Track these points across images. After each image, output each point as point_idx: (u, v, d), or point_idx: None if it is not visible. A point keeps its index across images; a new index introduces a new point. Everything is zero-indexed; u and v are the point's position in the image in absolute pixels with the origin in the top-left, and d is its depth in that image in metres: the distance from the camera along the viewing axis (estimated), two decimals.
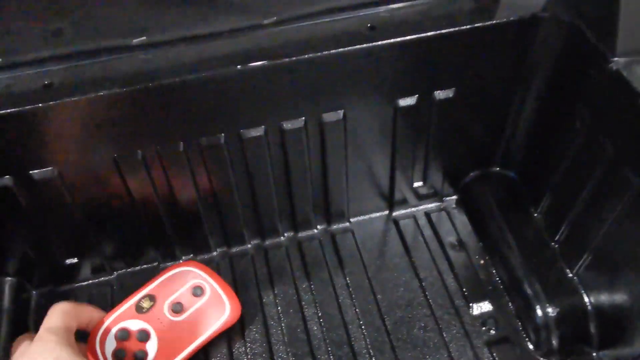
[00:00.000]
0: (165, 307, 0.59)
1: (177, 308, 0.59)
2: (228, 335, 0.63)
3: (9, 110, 0.50)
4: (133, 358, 0.55)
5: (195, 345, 0.58)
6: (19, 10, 0.51)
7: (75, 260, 0.70)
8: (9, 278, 0.69)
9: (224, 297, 0.60)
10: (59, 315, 0.51)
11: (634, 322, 0.56)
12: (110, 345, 0.56)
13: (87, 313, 0.56)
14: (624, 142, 0.52)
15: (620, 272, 0.57)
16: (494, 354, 0.63)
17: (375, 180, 0.76)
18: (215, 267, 0.71)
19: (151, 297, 0.59)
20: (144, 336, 0.56)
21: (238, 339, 0.64)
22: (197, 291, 0.60)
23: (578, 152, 0.61)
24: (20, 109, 0.50)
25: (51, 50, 0.54)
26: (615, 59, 0.51)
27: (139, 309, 0.58)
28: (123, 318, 0.58)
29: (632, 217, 0.53)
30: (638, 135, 0.50)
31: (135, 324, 0.57)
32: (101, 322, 0.57)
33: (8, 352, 0.59)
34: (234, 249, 0.75)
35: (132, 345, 0.56)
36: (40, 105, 0.50)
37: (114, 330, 0.57)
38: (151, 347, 0.56)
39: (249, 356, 0.63)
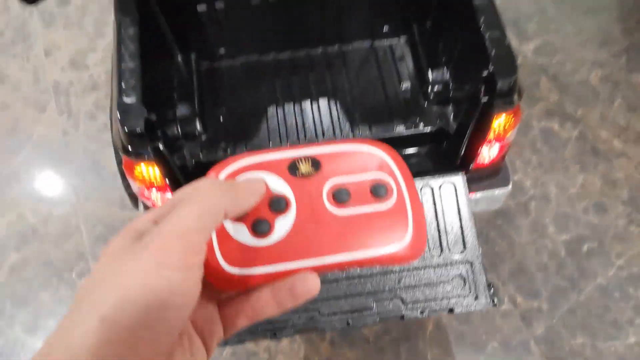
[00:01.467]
0: (327, 187, 0.42)
1: (342, 197, 0.42)
2: None
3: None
4: (250, 223, 0.40)
5: (333, 262, 0.40)
6: None
7: (223, 50, 1.61)
8: (193, 54, 1.59)
9: (410, 217, 0.43)
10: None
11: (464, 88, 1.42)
12: None
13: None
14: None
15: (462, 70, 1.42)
16: (407, 103, 1.51)
17: (365, 23, 1.62)
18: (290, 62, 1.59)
19: (314, 163, 0.43)
20: (280, 206, 0.41)
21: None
22: (380, 190, 0.42)
23: (458, 21, 1.39)
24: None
25: None
26: None
27: (293, 168, 0.42)
28: (266, 167, 0.42)
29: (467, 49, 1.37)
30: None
31: (277, 184, 0.42)
32: (234, 159, 0.43)
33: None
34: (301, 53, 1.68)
35: (260, 208, 0.41)
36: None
37: (247, 175, 0.42)
38: (281, 226, 0.40)
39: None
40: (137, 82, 1.14)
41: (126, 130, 1.11)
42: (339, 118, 1.52)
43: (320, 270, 0.40)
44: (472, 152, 1.32)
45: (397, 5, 1.59)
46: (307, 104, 1.55)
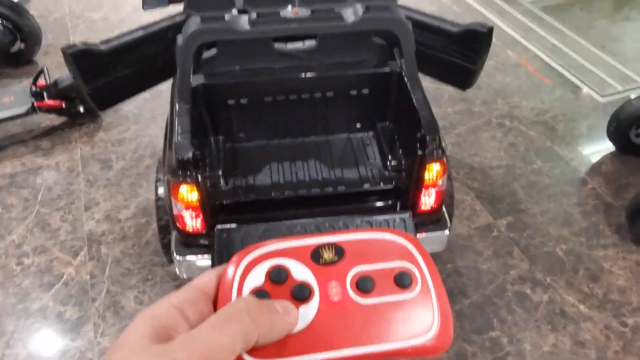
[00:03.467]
0: (350, 275, 0.42)
1: (366, 286, 0.41)
2: None
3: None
4: None
5: (356, 354, 0.39)
6: None
7: (243, 135, 2.29)
8: (220, 136, 2.25)
9: (436, 308, 0.42)
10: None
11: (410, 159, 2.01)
12: (255, 279, 0.41)
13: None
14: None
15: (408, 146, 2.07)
16: (372, 173, 2.18)
17: (344, 121, 2.33)
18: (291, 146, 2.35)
19: (338, 251, 0.43)
20: (303, 294, 0.40)
21: None
22: (404, 280, 0.42)
23: (403, 110, 2.11)
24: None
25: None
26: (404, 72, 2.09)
27: (316, 256, 0.42)
28: (289, 254, 0.42)
29: (410, 127, 2.00)
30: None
31: (300, 272, 0.41)
32: (257, 246, 0.43)
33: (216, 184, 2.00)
34: (302, 139, 2.35)
35: (282, 295, 0.41)
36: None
37: (270, 262, 0.42)
38: (304, 315, 0.40)
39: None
40: (188, 129, 1.76)
41: (178, 158, 1.67)
42: (323, 180, 2.13)
43: None
44: (416, 197, 1.93)
45: (365, 111, 2.29)
46: (301, 170, 2.17)
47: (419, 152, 1.79)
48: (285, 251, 0.42)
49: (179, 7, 2.08)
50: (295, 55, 2.11)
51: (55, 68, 3.72)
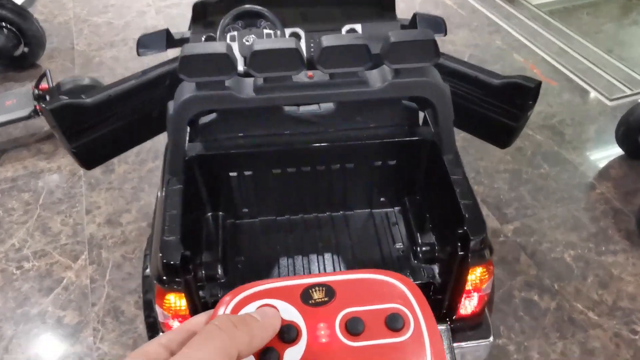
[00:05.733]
0: (340, 317, 0.41)
1: (355, 329, 0.40)
2: None
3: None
4: (258, 352, 0.39)
5: None
6: None
7: (246, 210, 1.98)
8: (220, 212, 1.95)
9: (429, 353, 0.40)
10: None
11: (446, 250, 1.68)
12: None
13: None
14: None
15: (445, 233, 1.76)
16: (400, 260, 1.84)
17: (365, 195, 2.00)
18: (303, 222, 2.03)
19: (328, 291, 0.41)
20: (291, 336, 0.39)
21: None
22: (396, 322, 0.40)
23: (439, 189, 1.75)
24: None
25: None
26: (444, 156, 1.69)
27: (305, 296, 0.41)
28: (279, 295, 0.41)
29: (448, 215, 1.67)
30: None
31: (288, 312, 0.41)
32: (248, 285, 0.43)
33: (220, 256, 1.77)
34: (311, 216, 2.01)
35: None
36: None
37: (260, 302, 0.41)
38: (290, 356, 0.39)
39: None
40: (177, 225, 1.45)
41: (164, 262, 1.37)
42: (340, 269, 1.80)
43: None
44: (454, 302, 1.55)
45: (391, 184, 1.95)
46: (314, 257, 1.85)
47: (460, 253, 1.47)
48: (275, 290, 0.42)
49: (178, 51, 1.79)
50: (309, 121, 1.81)
51: (58, 72, 3.71)
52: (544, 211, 2.71)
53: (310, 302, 0.41)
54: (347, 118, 1.81)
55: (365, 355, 0.39)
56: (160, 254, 1.38)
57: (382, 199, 2.01)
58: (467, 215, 1.49)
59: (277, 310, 0.40)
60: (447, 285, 1.57)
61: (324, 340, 0.39)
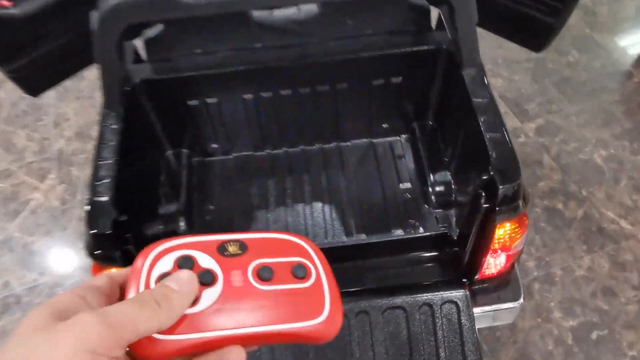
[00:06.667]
0: (252, 266, 0.45)
1: (265, 275, 0.44)
2: None
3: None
4: None
5: (253, 332, 0.42)
6: None
7: (216, 145, 1.60)
8: (184, 149, 1.58)
9: (327, 298, 0.45)
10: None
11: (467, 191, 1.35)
12: (163, 266, 0.42)
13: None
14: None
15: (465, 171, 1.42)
16: (407, 205, 1.49)
17: (364, 121, 1.62)
18: (286, 158, 1.61)
19: (242, 246, 0.46)
20: (207, 279, 0.42)
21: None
22: (299, 272, 0.46)
23: (457, 114, 1.39)
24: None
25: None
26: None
27: (221, 249, 0.45)
28: (196, 247, 0.44)
29: (469, 147, 1.35)
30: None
31: (205, 261, 0.44)
32: (168, 239, 0.45)
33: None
34: (293, 150, 1.67)
35: None
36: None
37: (178, 253, 0.43)
38: (207, 297, 0.42)
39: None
40: (112, 180, 1.11)
41: (92, 233, 1.05)
42: (332, 223, 1.48)
43: (240, 342, 0.42)
44: (476, 262, 1.24)
45: (395, 106, 1.57)
46: (299, 207, 1.53)
47: (485, 205, 1.11)
48: (192, 244, 0.45)
49: None
50: (287, 29, 1.40)
51: None
52: (571, 106, 2.36)
53: (225, 253, 0.45)
54: (335, 23, 1.41)
55: (274, 297, 0.44)
56: (87, 222, 1.06)
57: (384, 126, 1.63)
58: (494, 155, 1.10)
59: (193, 272, 0.42)
60: (467, 239, 1.24)
61: (238, 284, 0.43)
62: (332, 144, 1.65)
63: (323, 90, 1.49)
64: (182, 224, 1.43)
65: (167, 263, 0.43)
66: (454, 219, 1.43)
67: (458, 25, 1.23)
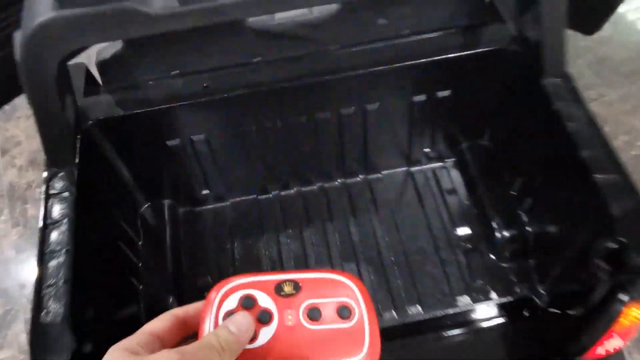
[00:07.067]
0: (303, 306, 0.50)
1: (315, 316, 0.50)
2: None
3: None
4: None
5: None
6: None
7: (207, 191, 1.21)
8: (166, 200, 1.19)
9: (367, 337, 0.50)
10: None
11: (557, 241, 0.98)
12: (230, 304, 0.49)
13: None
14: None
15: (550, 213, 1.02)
16: (468, 259, 1.12)
17: (400, 146, 1.21)
18: (292, 199, 1.15)
19: (296, 286, 0.51)
20: (265, 318, 0.49)
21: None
22: (344, 312, 0.51)
23: (533, 137, 1.02)
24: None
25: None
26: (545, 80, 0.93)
27: (278, 289, 0.51)
28: (257, 287, 0.51)
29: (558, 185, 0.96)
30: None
31: (264, 301, 0.50)
32: (233, 278, 0.52)
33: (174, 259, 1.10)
34: (305, 188, 1.21)
35: None
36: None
37: (241, 292, 0.51)
38: (264, 334, 0.48)
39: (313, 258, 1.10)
40: (66, 283, 0.73)
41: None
42: (374, 294, 1.10)
43: None
44: (581, 345, 0.87)
45: (443, 125, 1.19)
46: (324, 253, 1.18)
47: (608, 281, 0.80)
48: (254, 284, 0.51)
49: None
50: (296, 36, 1.04)
51: None
52: (612, 91, 2.03)
53: (281, 293, 0.50)
54: (360, 23, 1.03)
55: (321, 335, 0.49)
56: (32, 349, 0.69)
57: (426, 150, 1.27)
58: (616, 209, 0.76)
59: (251, 317, 0.48)
60: (563, 308, 0.91)
61: (290, 323, 0.49)
62: (359, 178, 1.28)
63: (346, 113, 1.11)
64: (171, 300, 1.07)
65: (232, 301, 0.49)
66: (536, 275, 1.06)
67: (543, 20, 0.88)
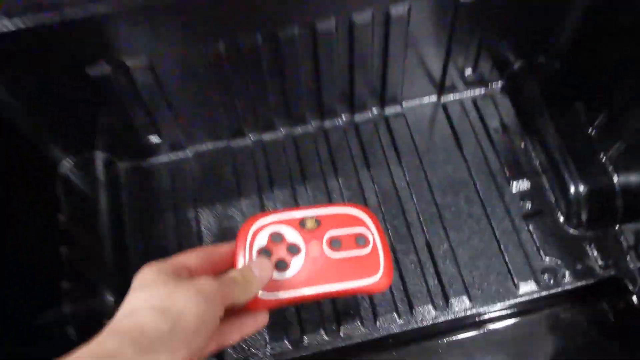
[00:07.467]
0: (326, 237, 0.55)
1: (336, 245, 0.55)
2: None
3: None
4: (275, 263, 0.53)
5: (330, 290, 0.54)
6: None
7: (157, 138, 0.81)
8: (98, 151, 0.80)
9: (382, 260, 0.56)
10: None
11: None
12: (261, 241, 0.53)
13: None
14: None
15: None
16: (529, 226, 0.75)
17: (429, 67, 0.83)
18: (280, 145, 0.84)
19: (317, 221, 0.56)
20: (295, 250, 0.54)
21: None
22: (361, 240, 0.56)
23: (621, 48, 0.69)
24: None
25: None
26: None
27: (302, 223, 0.56)
28: (285, 222, 0.55)
29: None
30: None
31: (291, 235, 0.55)
32: (261, 216, 0.55)
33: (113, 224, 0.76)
34: (298, 129, 0.86)
35: (280, 251, 0.53)
36: None
37: (270, 229, 0.55)
38: (295, 263, 0.53)
39: None
40: None
41: None
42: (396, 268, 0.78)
43: (318, 297, 0.53)
44: None
45: (502, 35, 0.80)
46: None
47: None
48: (281, 221, 0.55)
49: None
50: None
51: None
52: None
53: (306, 228, 0.55)
54: None
55: (343, 262, 0.54)
56: None
57: (467, 73, 0.85)
58: None
59: (270, 262, 0.52)
60: None
61: (315, 254, 0.54)
62: (371, 113, 0.87)
63: (362, 20, 0.69)
64: (110, 299, 0.73)
65: (263, 238, 0.53)
66: (626, 247, 0.71)
67: None
